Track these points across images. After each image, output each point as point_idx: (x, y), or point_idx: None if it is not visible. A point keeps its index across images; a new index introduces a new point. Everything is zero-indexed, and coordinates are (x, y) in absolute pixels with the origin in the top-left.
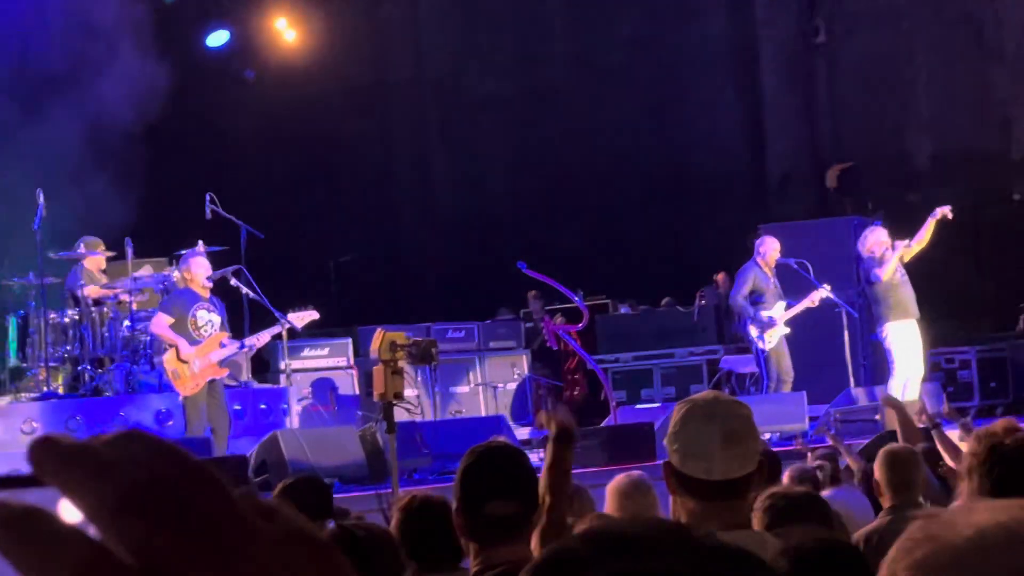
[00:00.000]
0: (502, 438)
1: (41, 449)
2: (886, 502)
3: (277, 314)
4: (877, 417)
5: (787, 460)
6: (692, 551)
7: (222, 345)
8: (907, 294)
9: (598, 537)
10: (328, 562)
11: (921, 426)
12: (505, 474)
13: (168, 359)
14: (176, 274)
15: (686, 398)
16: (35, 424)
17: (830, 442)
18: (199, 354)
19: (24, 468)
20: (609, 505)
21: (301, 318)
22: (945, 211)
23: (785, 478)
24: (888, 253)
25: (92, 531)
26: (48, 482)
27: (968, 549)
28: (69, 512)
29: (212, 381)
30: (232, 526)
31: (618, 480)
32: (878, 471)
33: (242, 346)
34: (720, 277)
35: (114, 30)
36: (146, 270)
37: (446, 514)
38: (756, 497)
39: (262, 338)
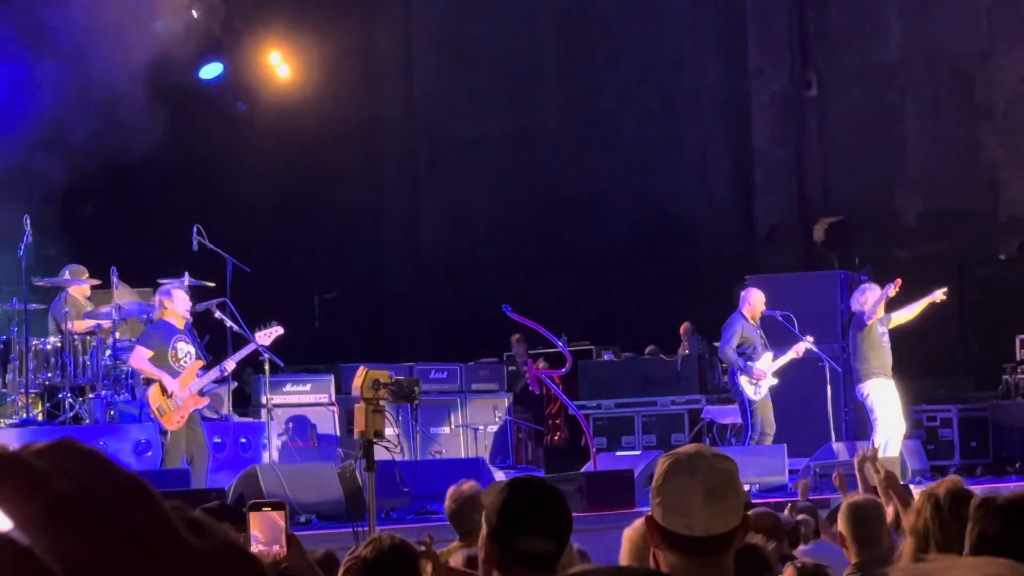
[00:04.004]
0: (471, 483)
1: None
2: (852, 557)
3: (247, 335)
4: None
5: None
6: None
7: (199, 374)
8: (888, 354)
9: None
10: None
11: (904, 482)
12: (545, 510)
13: (152, 395)
14: (156, 301)
15: (670, 451)
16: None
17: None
18: (181, 385)
19: None
20: (625, 552)
21: (268, 335)
22: (941, 294)
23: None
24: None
25: (22, 539)
26: None
27: None
28: (0, 520)
29: (191, 412)
30: (160, 539)
31: (634, 526)
32: (842, 525)
33: (220, 370)
34: (684, 328)
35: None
36: (130, 298)
37: (405, 554)
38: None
39: (234, 360)
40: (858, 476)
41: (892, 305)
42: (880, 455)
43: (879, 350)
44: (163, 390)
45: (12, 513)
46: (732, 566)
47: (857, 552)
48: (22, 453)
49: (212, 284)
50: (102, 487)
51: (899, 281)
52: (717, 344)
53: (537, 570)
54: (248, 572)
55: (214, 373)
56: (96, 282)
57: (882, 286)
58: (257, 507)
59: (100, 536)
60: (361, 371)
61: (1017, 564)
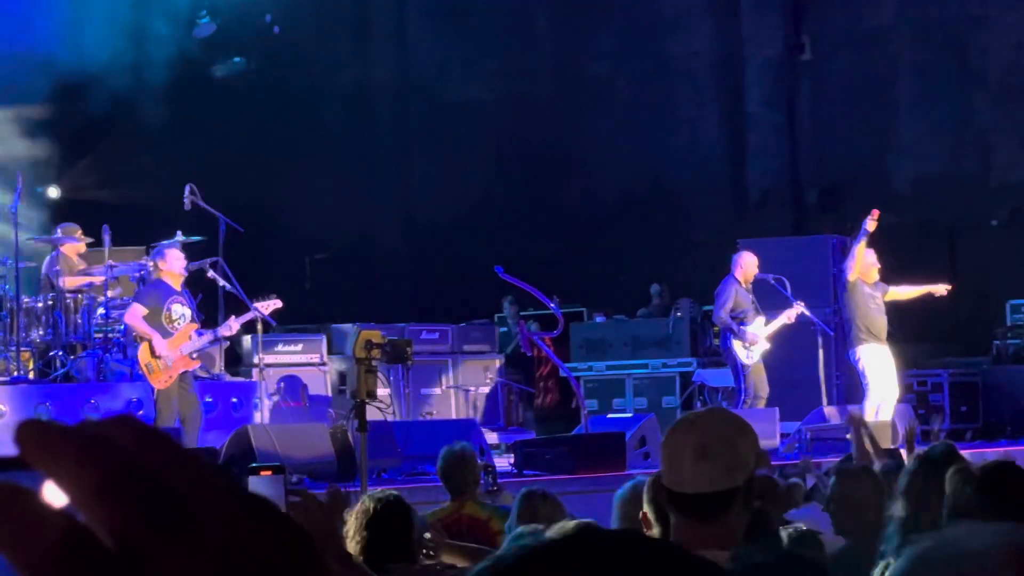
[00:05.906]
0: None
1: (28, 431)
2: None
3: (244, 299)
4: (848, 436)
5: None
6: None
7: (196, 335)
8: (882, 320)
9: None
10: (305, 555)
11: (895, 446)
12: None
13: (141, 353)
14: (151, 264)
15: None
16: (2, 407)
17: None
18: (171, 347)
19: (10, 450)
20: (617, 514)
21: (266, 306)
22: (943, 288)
23: None
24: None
25: (76, 514)
26: (33, 464)
27: (989, 567)
28: (53, 494)
29: (183, 372)
30: (213, 516)
31: (626, 488)
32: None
33: (214, 334)
34: (656, 288)
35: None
36: (122, 258)
37: (404, 513)
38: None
39: (232, 327)
40: (853, 441)
41: (892, 278)
42: (872, 420)
43: (870, 315)
44: (152, 350)
45: (65, 487)
46: (735, 530)
47: (844, 519)
48: (77, 428)
49: (201, 238)
50: (154, 462)
51: (876, 212)
52: (708, 308)
53: None
54: (301, 551)
55: (208, 337)
56: (89, 240)
57: (875, 253)
58: (255, 471)
59: (149, 510)
60: (357, 331)
61: None
